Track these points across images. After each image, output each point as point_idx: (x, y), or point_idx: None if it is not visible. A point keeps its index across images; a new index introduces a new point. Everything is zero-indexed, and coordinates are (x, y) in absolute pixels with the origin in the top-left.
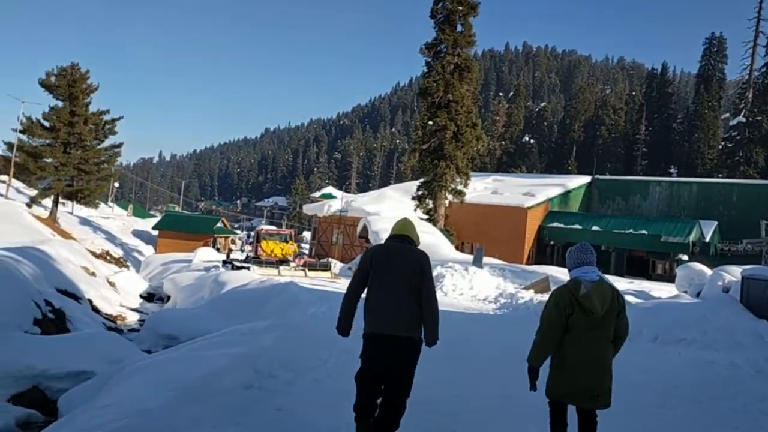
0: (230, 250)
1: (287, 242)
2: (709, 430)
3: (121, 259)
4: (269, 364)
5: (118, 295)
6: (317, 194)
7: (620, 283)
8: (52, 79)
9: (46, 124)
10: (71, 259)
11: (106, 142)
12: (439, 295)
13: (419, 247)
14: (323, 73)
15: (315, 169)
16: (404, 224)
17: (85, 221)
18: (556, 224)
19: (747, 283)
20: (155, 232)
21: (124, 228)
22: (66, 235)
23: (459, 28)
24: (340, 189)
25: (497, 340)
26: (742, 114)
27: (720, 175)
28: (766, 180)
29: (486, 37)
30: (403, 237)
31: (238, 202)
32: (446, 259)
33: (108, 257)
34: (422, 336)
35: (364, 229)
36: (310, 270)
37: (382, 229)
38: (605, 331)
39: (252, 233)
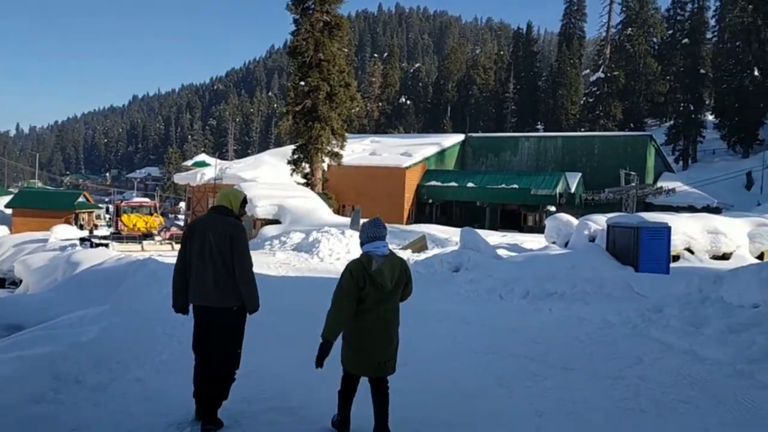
0: (95, 227)
1: (151, 214)
2: (586, 404)
3: None
4: (78, 365)
5: None
6: (189, 162)
7: (494, 237)
8: None
9: None
10: None
11: None
12: (315, 261)
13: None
14: (194, 37)
15: (189, 137)
16: (222, 195)
17: None
18: (433, 183)
19: (612, 231)
20: (9, 211)
21: None
22: None
23: None
24: (218, 156)
25: None
26: (601, 70)
27: (582, 129)
28: (623, 132)
29: None
30: (221, 208)
31: (108, 174)
32: (323, 223)
33: None
34: (242, 306)
35: None
36: (178, 243)
37: (256, 196)
38: (393, 303)
39: (111, 207)
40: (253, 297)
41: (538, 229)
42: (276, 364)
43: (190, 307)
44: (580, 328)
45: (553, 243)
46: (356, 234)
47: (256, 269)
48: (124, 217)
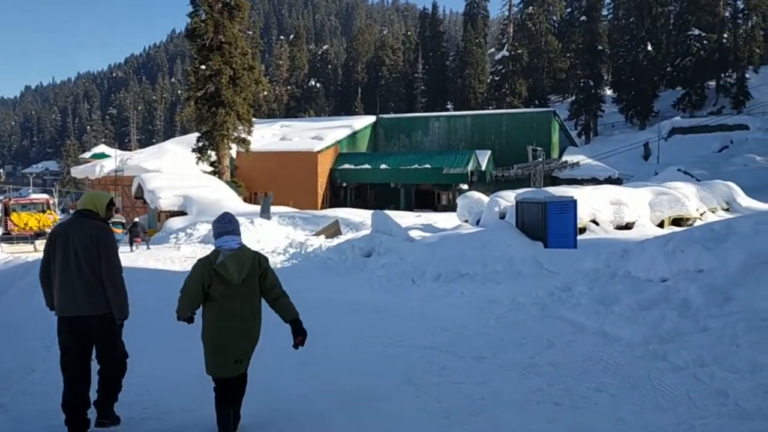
0: None
1: (44, 212)
2: (496, 400)
3: None
4: None
5: None
6: (88, 155)
7: (408, 218)
8: None
9: None
10: None
11: None
12: None
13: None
14: (89, 23)
15: (88, 127)
16: (85, 197)
17: None
18: (346, 166)
19: (521, 207)
20: None
21: None
22: None
23: None
24: (120, 147)
25: None
26: (505, 48)
27: (490, 107)
28: (529, 108)
29: None
30: (85, 211)
31: (1, 170)
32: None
33: None
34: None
35: (139, 188)
36: None
37: (159, 187)
38: (248, 297)
39: None
40: (122, 304)
41: (452, 207)
42: (170, 373)
43: None
44: (491, 312)
45: (465, 222)
46: (266, 222)
47: (159, 264)
48: (14, 216)
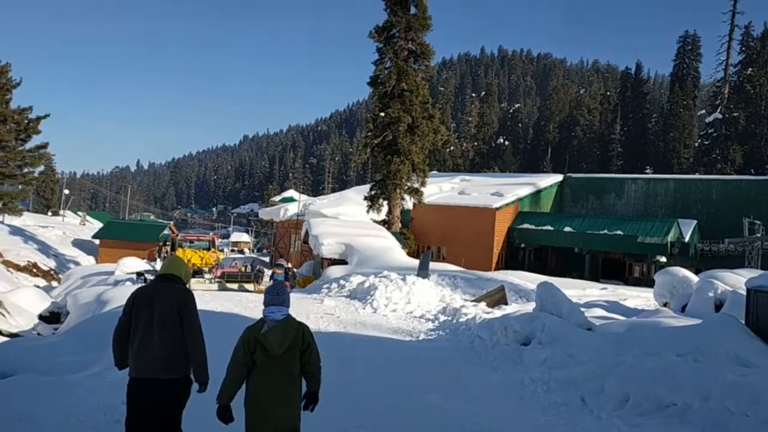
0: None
1: (208, 250)
2: None
3: (52, 272)
4: None
5: (3, 316)
6: (277, 198)
7: (592, 289)
8: None
9: None
10: None
11: (30, 144)
12: (366, 312)
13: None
14: (304, 80)
15: (290, 174)
16: (170, 262)
17: (17, 231)
18: (526, 225)
19: (755, 298)
20: (97, 242)
21: (64, 238)
22: None
23: (412, 10)
24: (315, 194)
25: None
26: (718, 110)
27: (697, 173)
28: (744, 176)
29: (461, 41)
30: (168, 276)
31: (214, 209)
32: (391, 266)
33: (35, 270)
34: (190, 376)
35: (307, 233)
36: (229, 282)
37: (323, 233)
38: (287, 369)
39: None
40: (204, 367)
41: (646, 281)
42: None
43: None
44: None
45: (665, 305)
46: (420, 281)
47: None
48: (179, 252)
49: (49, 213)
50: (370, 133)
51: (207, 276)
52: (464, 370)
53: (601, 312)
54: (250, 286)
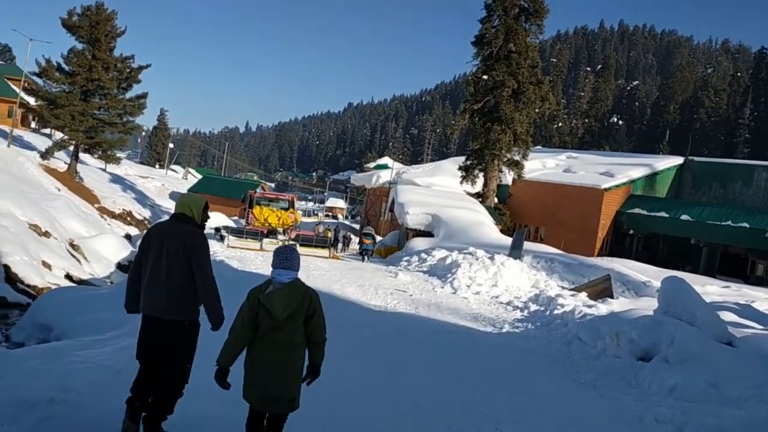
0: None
1: (287, 210)
2: None
3: (146, 221)
4: None
5: (79, 262)
6: (372, 165)
7: (712, 288)
8: (75, 18)
9: (66, 67)
10: (18, 216)
11: (130, 93)
12: (446, 291)
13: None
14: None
15: (390, 144)
16: (182, 201)
17: (117, 179)
18: (637, 210)
19: None
20: None
21: (162, 190)
22: (82, 191)
23: None
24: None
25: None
26: None
27: None
28: None
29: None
30: (180, 215)
31: (314, 174)
32: (480, 242)
33: (129, 218)
34: (198, 320)
35: (393, 201)
36: (303, 246)
37: (409, 201)
38: (289, 335)
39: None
40: (216, 309)
41: None
42: None
43: None
44: None
45: None
46: (510, 262)
47: (358, 296)
48: (256, 210)
49: (157, 166)
50: (470, 98)
51: (281, 237)
52: (556, 385)
53: (733, 317)
54: (324, 252)
